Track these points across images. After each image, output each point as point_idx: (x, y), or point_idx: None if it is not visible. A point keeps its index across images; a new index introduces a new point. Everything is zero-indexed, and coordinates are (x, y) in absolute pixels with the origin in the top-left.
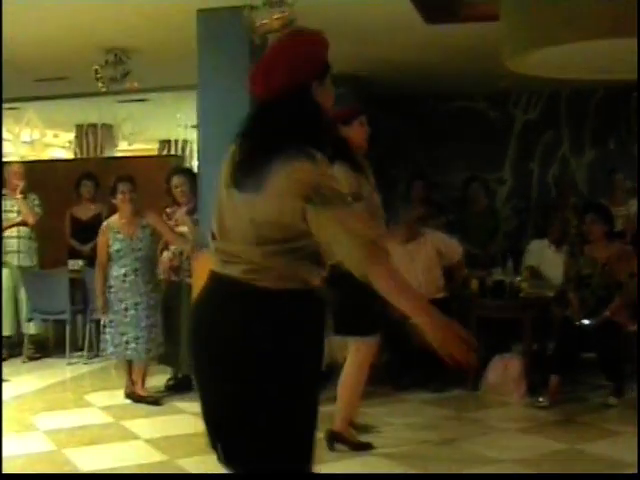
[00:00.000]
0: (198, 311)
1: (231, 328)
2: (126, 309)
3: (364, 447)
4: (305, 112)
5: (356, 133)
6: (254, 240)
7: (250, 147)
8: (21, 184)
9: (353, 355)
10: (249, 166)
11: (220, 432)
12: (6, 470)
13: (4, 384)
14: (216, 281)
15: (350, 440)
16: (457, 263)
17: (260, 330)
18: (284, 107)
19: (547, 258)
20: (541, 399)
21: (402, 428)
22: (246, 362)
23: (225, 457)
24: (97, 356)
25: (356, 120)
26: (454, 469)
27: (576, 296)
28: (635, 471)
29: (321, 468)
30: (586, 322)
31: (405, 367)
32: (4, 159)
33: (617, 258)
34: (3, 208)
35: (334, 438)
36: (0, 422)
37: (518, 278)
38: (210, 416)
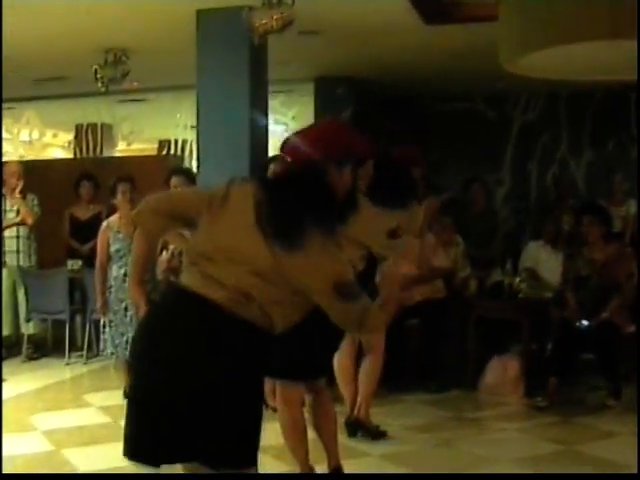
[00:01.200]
0: (165, 321)
1: (205, 345)
2: (126, 309)
3: (382, 435)
4: (314, 187)
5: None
6: (266, 279)
7: (279, 204)
8: (20, 184)
9: (376, 348)
10: (279, 224)
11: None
12: (5, 470)
13: (2, 384)
14: (191, 299)
15: (370, 427)
16: (439, 270)
17: (232, 351)
18: (302, 177)
19: (543, 259)
20: (539, 400)
21: (400, 429)
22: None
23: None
24: (96, 356)
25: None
26: (452, 470)
27: (574, 297)
28: (633, 471)
29: (317, 469)
30: (584, 323)
31: (403, 367)
32: (3, 159)
33: (615, 259)
34: (2, 208)
35: (357, 425)
36: (0, 423)
37: (517, 279)
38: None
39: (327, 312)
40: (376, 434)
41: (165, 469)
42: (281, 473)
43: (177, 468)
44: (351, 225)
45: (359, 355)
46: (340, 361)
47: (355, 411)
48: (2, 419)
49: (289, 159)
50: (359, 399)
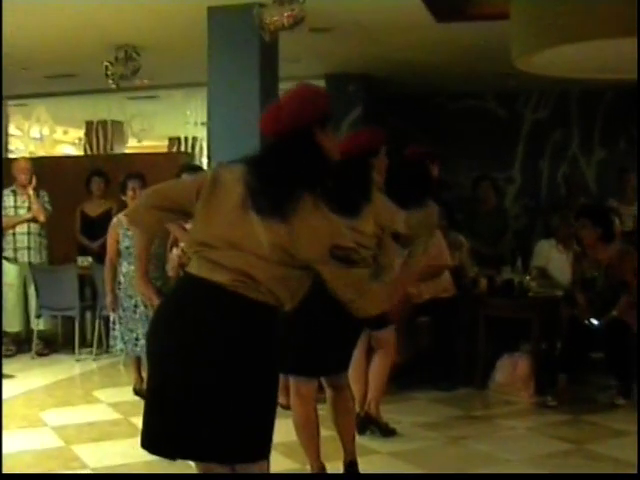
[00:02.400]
0: (175, 311)
1: (220, 329)
2: (135, 306)
3: (392, 432)
4: (308, 153)
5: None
6: (266, 258)
7: (269, 178)
8: (33, 180)
9: (386, 346)
10: (270, 196)
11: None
12: (15, 465)
13: (12, 380)
14: (198, 284)
15: (380, 423)
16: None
17: (246, 331)
18: (291, 146)
19: (554, 258)
20: (549, 399)
21: (410, 427)
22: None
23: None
24: (106, 352)
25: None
26: (461, 468)
27: (583, 296)
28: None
29: (327, 465)
30: (594, 322)
31: (413, 365)
32: (13, 155)
33: (618, 258)
34: (13, 204)
35: (367, 421)
36: (0, 423)
37: (527, 277)
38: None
39: (327, 280)
40: (386, 431)
41: (178, 465)
42: (285, 473)
43: (179, 466)
44: (364, 217)
45: (369, 351)
46: None
47: (365, 407)
48: (2, 419)
49: (269, 132)
50: (369, 395)
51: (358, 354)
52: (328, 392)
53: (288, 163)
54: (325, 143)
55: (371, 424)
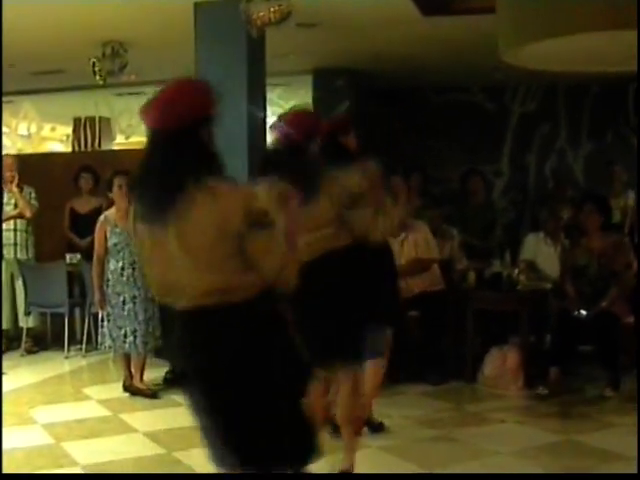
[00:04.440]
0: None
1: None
2: (124, 302)
3: (381, 428)
4: (197, 148)
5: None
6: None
7: (160, 183)
8: (15, 176)
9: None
10: (166, 200)
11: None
12: (5, 463)
13: (2, 377)
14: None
15: (374, 422)
16: (427, 261)
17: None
18: (182, 143)
19: (542, 251)
20: (541, 388)
21: (400, 420)
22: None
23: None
24: (95, 349)
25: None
26: (451, 461)
27: (573, 287)
28: (632, 462)
29: (320, 460)
30: (583, 313)
31: (403, 359)
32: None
33: (613, 249)
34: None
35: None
36: (0, 420)
37: (516, 271)
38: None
39: (258, 253)
40: (376, 428)
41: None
42: (283, 473)
43: (168, 464)
44: (317, 202)
45: None
46: None
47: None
48: (2, 419)
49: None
50: (365, 397)
51: None
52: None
53: (171, 163)
54: (206, 139)
55: (365, 424)
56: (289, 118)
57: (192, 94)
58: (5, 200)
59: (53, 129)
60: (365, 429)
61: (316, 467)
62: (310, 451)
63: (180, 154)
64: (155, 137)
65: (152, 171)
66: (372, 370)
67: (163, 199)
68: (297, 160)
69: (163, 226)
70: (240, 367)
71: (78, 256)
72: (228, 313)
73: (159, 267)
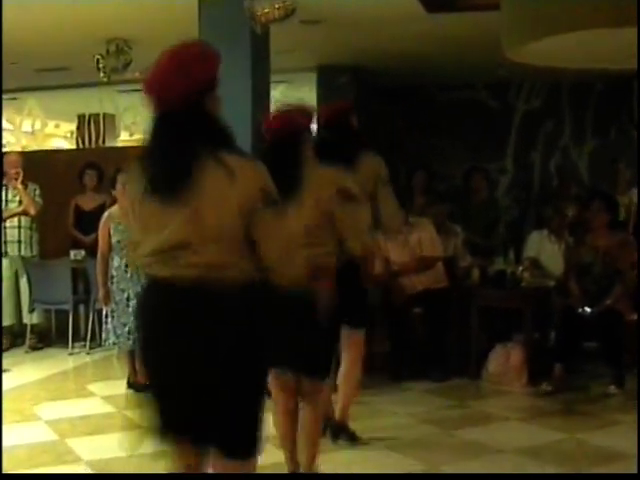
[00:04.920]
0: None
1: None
2: (128, 299)
3: (358, 439)
4: (206, 121)
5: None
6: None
7: (175, 152)
8: (20, 173)
9: (355, 347)
10: (177, 175)
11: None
12: (9, 460)
13: (6, 374)
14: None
15: (350, 431)
16: (431, 259)
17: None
18: (189, 117)
19: (547, 249)
20: (545, 384)
21: (404, 417)
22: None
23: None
24: (99, 346)
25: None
26: (455, 458)
27: (577, 285)
28: (635, 460)
29: (322, 458)
30: (587, 310)
31: (406, 356)
32: (4, 149)
33: (618, 247)
34: (5, 198)
35: (339, 429)
36: (0, 420)
37: (519, 268)
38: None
39: (259, 235)
40: (353, 437)
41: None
42: (282, 473)
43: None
44: (302, 200)
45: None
46: None
47: (337, 415)
48: (2, 419)
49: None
50: (339, 402)
51: None
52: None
53: (179, 139)
54: (212, 108)
55: (342, 432)
56: (272, 116)
57: (194, 62)
58: (9, 197)
59: (57, 126)
60: (345, 439)
61: None
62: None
63: (190, 124)
64: (162, 109)
65: (164, 141)
66: (345, 371)
67: (177, 168)
68: (278, 158)
69: (172, 195)
70: (222, 346)
71: (82, 253)
72: (219, 290)
73: (156, 234)
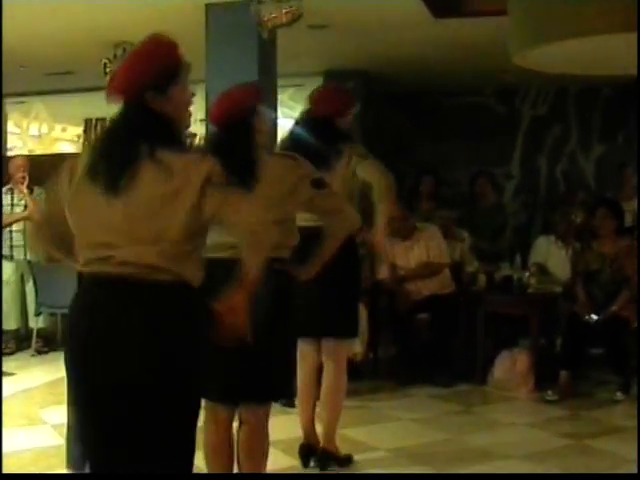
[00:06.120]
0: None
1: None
2: None
3: (349, 461)
4: (148, 118)
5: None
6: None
7: (115, 151)
8: (26, 177)
9: (337, 361)
10: (112, 173)
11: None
12: (14, 464)
13: (12, 378)
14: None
15: (339, 456)
16: (437, 265)
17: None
18: (131, 113)
19: (554, 254)
20: (549, 393)
21: (409, 423)
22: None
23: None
24: None
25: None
26: (461, 464)
27: (584, 291)
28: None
29: None
30: (594, 317)
31: (412, 362)
32: (11, 153)
33: (625, 253)
34: (10, 202)
35: (326, 457)
36: (0, 421)
37: (526, 274)
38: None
39: (228, 216)
40: (344, 462)
41: None
42: (281, 473)
43: None
44: (261, 188)
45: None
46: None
47: (322, 442)
48: (1, 421)
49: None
50: (323, 427)
51: (304, 371)
52: (242, 428)
53: (120, 133)
54: (164, 107)
55: (330, 459)
56: (220, 96)
57: (138, 58)
58: (15, 201)
59: (64, 130)
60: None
61: None
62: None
63: (130, 122)
64: (121, 106)
65: (109, 139)
66: (328, 388)
67: (113, 166)
68: (223, 143)
69: (109, 192)
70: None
71: None
72: (153, 292)
73: (92, 229)
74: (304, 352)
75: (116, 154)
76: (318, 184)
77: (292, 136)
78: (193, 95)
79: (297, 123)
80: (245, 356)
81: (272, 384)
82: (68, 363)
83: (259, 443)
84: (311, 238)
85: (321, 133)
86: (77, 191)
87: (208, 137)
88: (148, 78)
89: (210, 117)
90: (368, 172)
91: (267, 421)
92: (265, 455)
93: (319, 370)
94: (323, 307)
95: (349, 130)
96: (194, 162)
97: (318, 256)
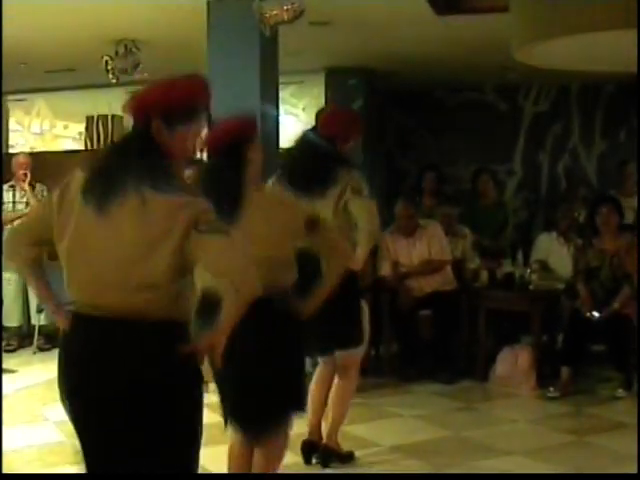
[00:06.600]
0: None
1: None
2: None
3: (351, 457)
4: (146, 150)
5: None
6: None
7: (106, 181)
8: (28, 174)
9: (349, 368)
10: (102, 201)
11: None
12: (16, 461)
13: (14, 375)
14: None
15: (341, 453)
16: (439, 262)
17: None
18: (125, 139)
19: (555, 251)
20: (551, 389)
21: (411, 419)
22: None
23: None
24: None
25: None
26: (462, 460)
27: (585, 288)
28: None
29: None
30: (595, 314)
31: (414, 359)
32: (13, 150)
33: (626, 250)
34: (12, 199)
35: (328, 454)
36: (0, 420)
37: (528, 270)
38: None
39: (208, 261)
40: (346, 459)
41: None
42: (281, 473)
43: None
44: (246, 221)
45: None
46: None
47: (325, 439)
48: (1, 419)
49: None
50: (329, 426)
51: (320, 372)
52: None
53: (118, 157)
54: (167, 141)
55: (332, 456)
56: (217, 125)
57: (165, 87)
58: (17, 198)
59: (66, 127)
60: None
61: None
62: None
63: (129, 148)
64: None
65: (106, 165)
66: (339, 392)
67: (104, 194)
68: (215, 175)
69: (100, 214)
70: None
71: None
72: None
73: (83, 270)
74: (322, 361)
75: (108, 177)
76: (311, 225)
77: (302, 146)
78: (200, 143)
79: (307, 134)
80: (248, 393)
81: (278, 415)
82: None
83: (272, 467)
84: (309, 260)
85: (322, 153)
86: (68, 220)
87: (203, 165)
88: (160, 107)
89: (205, 145)
90: (357, 211)
91: (284, 447)
92: (276, 468)
93: (333, 373)
94: (328, 327)
95: (350, 155)
96: (180, 206)
97: (317, 294)
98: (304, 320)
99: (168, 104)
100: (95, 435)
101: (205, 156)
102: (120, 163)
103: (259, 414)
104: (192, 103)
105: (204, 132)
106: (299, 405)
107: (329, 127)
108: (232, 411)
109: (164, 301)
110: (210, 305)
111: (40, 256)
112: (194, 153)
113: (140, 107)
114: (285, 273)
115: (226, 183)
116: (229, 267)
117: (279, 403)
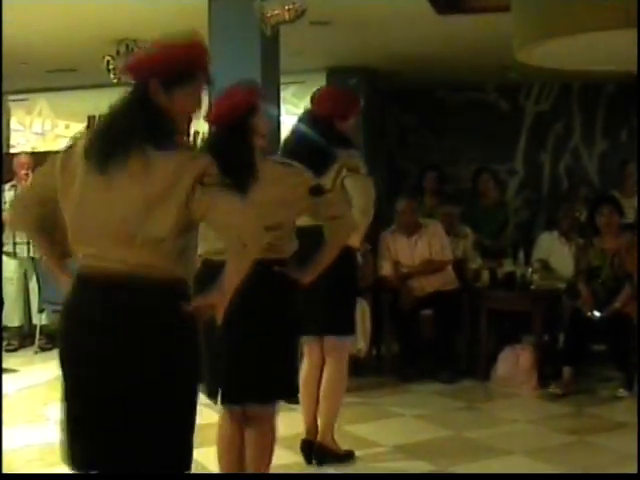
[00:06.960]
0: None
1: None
2: None
3: (350, 456)
4: (146, 111)
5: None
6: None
7: (108, 141)
8: (29, 174)
9: (337, 357)
10: (112, 148)
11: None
12: (17, 460)
13: (15, 374)
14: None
15: (338, 452)
16: (440, 262)
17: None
18: (125, 98)
19: (557, 250)
20: (553, 386)
21: (412, 419)
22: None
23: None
24: None
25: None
26: (463, 460)
27: (586, 288)
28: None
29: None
30: (596, 314)
31: (415, 358)
32: (14, 150)
33: (627, 250)
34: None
35: (323, 452)
36: (0, 420)
37: (529, 270)
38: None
39: (214, 216)
40: (343, 458)
41: None
42: (281, 473)
43: None
44: (256, 191)
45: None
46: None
47: (319, 437)
48: (2, 419)
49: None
50: (321, 422)
51: (308, 367)
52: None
53: (117, 117)
54: (165, 103)
55: (327, 454)
56: (220, 95)
57: (163, 47)
58: None
59: (67, 127)
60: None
61: None
62: None
63: (129, 110)
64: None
65: (107, 122)
66: (329, 384)
67: (107, 146)
68: (221, 144)
69: (103, 171)
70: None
71: None
72: (144, 291)
73: (89, 226)
74: (308, 349)
75: (110, 137)
76: (316, 191)
77: (294, 135)
78: (199, 107)
79: (300, 120)
80: (245, 357)
81: (273, 384)
82: (62, 362)
83: (265, 442)
84: (311, 237)
85: (319, 133)
86: (72, 180)
87: (207, 136)
88: (157, 66)
89: (209, 116)
90: (352, 187)
91: (274, 420)
92: (271, 453)
93: (322, 366)
94: (321, 306)
95: (349, 134)
96: (184, 162)
97: (318, 261)
98: (302, 290)
99: (166, 67)
100: (92, 390)
101: (207, 127)
102: (122, 124)
103: (257, 376)
104: (188, 64)
105: (204, 96)
106: (292, 378)
107: (325, 105)
108: (226, 378)
109: (169, 257)
110: (210, 274)
111: (44, 215)
112: (194, 116)
113: (139, 69)
114: (287, 242)
115: (234, 154)
116: (236, 222)
117: (275, 369)
